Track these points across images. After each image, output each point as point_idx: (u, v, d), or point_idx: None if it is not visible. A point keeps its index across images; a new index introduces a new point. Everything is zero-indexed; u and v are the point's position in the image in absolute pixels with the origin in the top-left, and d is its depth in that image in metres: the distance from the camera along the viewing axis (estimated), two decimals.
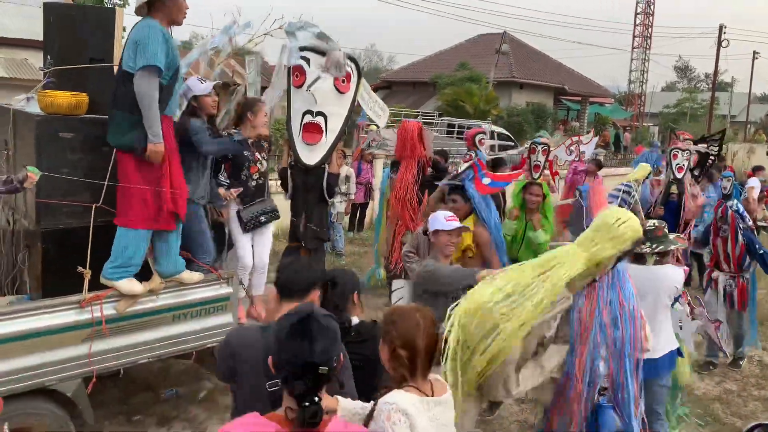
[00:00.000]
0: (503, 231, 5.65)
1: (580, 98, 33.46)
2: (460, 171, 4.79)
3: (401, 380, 2.17)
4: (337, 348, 1.82)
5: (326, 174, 5.14)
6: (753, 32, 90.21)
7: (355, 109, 5.33)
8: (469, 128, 16.13)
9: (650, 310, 3.72)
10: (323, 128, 4.95)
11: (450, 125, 21.67)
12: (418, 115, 22.15)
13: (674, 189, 7.19)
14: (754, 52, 35.81)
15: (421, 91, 31.25)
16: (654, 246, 4.02)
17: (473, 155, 5.03)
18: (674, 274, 4.05)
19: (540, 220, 5.63)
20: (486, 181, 4.68)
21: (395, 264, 5.94)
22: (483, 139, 7.00)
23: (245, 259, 4.72)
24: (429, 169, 6.44)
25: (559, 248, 2.97)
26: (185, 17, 3.77)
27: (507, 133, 21.09)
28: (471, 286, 3.04)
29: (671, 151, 7.34)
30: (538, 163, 5.96)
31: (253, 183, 4.71)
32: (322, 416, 1.73)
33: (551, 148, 6.58)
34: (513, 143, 18.51)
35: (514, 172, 5.50)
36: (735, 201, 6.12)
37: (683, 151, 7.29)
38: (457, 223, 3.86)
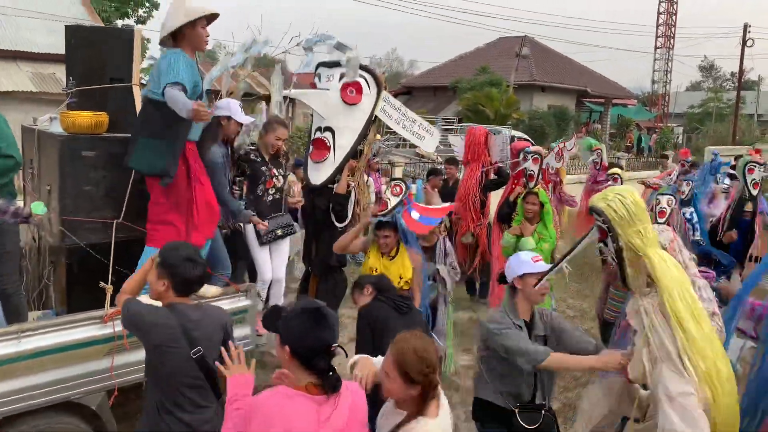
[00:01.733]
0: (503, 242, 5.61)
1: (602, 100, 33.15)
2: (390, 208, 4.50)
3: (424, 410, 2.26)
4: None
5: (333, 195, 4.93)
6: None
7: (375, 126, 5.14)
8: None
9: None
10: (330, 144, 4.76)
11: None
12: (436, 121, 22.12)
13: (749, 207, 6.41)
14: None
15: (441, 96, 31.23)
16: None
17: (403, 188, 4.54)
18: None
19: (535, 229, 5.52)
20: (415, 215, 4.40)
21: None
22: (531, 155, 6.75)
23: (265, 273, 4.78)
24: (492, 174, 6.85)
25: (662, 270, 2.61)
26: (207, 43, 3.91)
27: (527, 137, 20.96)
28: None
29: (746, 165, 6.54)
30: (532, 172, 5.96)
31: (269, 198, 4.77)
32: (341, 382, 2.17)
33: (542, 157, 6.49)
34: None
35: (446, 205, 5.01)
36: (690, 209, 5.52)
37: (760, 165, 6.48)
38: (546, 265, 3.34)
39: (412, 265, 4.41)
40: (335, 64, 4.84)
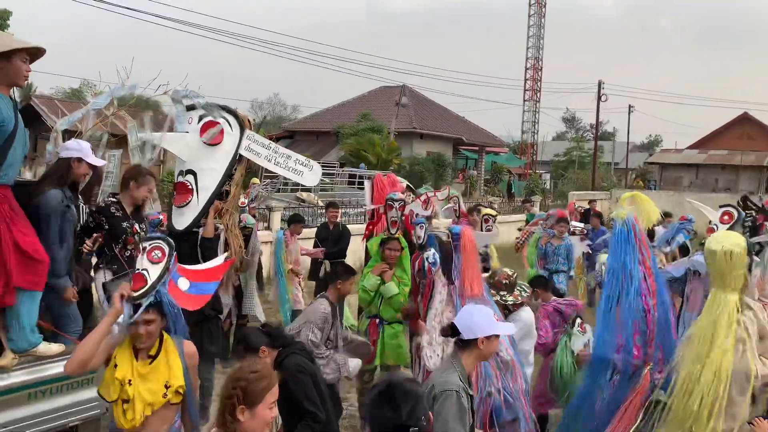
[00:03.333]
0: (364, 282, 5.58)
1: (477, 148, 34.93)
2: (150, 284, 3.00)
3: None
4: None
5: (199, 239, 4.68)
6: (628, 88, 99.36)
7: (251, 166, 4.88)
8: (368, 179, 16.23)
9: None
10: (192, 187, 4.52)
11: (351, 175, 21.87)
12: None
13: None
14: (630, 106, 39.05)
15: (324, 141, 31.51)
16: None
17: (166, 251, 3.08)
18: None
19: (394, 273, 5.48)
20: (184, 285, 3.23)
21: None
22: (396, 203, 6.05)
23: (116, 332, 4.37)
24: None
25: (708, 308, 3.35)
26: (26, 79, 3.59)
27: (408, 183, 21.49)
28: None
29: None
30: (395, 219, 6.05)
31: (127, 254, 4.43)
32: None
33: (407, 203, 6.62)
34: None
35: (221, 263, 3.81)
36: (431, 251, 4.83)
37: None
38: (508, 325, 3.52)
39: (188, 362, 3.12)
40: (192, 107, 4.63)
